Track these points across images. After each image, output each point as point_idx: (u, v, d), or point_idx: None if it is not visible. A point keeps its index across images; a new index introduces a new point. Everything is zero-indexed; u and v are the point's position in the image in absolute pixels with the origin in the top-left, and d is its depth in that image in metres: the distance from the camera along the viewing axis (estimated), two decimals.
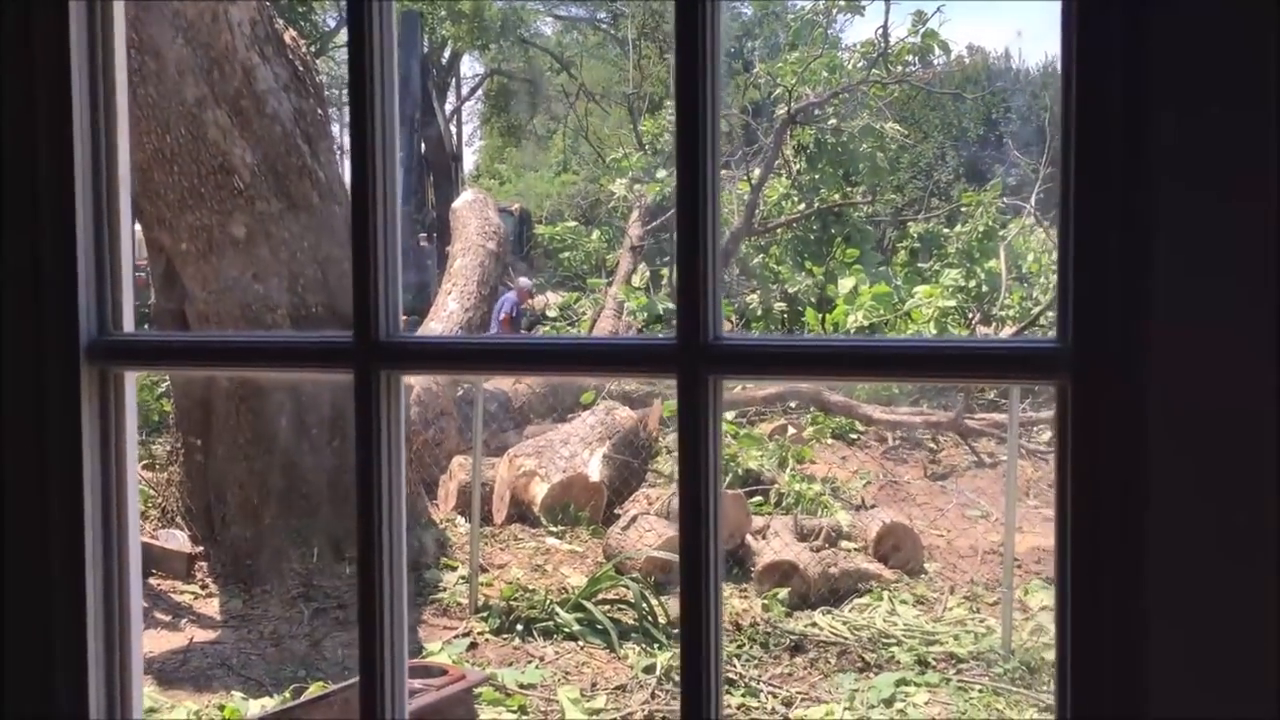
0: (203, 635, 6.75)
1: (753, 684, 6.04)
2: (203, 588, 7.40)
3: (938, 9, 17.93)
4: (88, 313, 1.15)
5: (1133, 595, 0.90)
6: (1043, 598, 7.43)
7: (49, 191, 1.13)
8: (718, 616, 0.95)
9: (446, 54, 34.16)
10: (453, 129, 32.18)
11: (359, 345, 1.06)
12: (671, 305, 14.50)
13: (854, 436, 11.49)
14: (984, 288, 14.74)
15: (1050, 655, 6.44)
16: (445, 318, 10.70)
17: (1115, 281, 0.87)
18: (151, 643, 6.64)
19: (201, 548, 7.63)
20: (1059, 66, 0.98)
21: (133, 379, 1.18)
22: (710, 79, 0.95)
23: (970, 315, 14.52)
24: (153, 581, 7.50)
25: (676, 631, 6.58)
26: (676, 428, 0.96)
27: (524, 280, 16.35)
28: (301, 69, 7.46)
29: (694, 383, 0.93)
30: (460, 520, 8.50)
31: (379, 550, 1.08)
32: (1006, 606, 6.64)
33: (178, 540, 7.74)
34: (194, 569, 7.49)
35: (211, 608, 7.18)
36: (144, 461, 8.56)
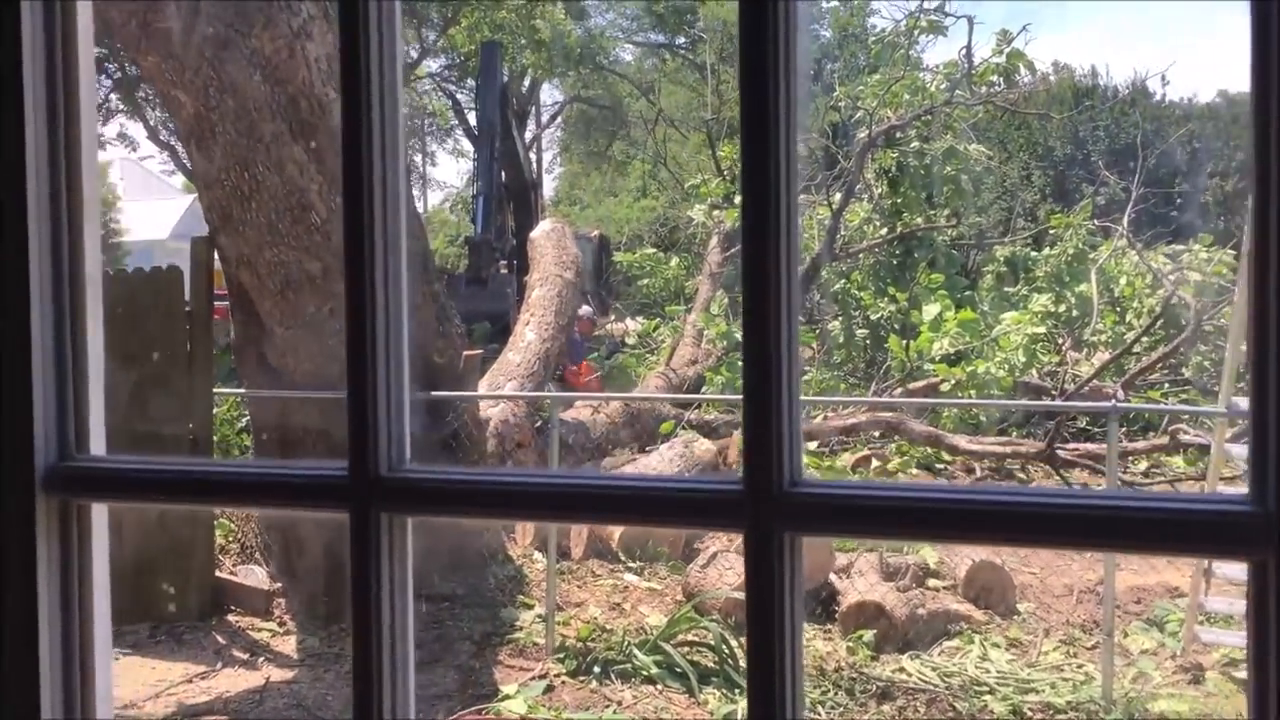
0: (279, 675, 6.70)
1: None
2: (280, 625, 7.37)
3: (1023, 28, 17.59)
4: (46, 434, 1.02)
5: None
6: (1143, 641, 7.07)
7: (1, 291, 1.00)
8: None
9: (526, 82, 34.47)
10: (532, 156, 32.44)
11: (355, 482, 0.91)
12: None
13: (940, 467, 11.16)
14: (1074, 312, 14.31)
15: (1156, 706, 6.10)
16: (523, 348, 10.64)
17: None
18: (229, 683, 6.62)
19: (280, 584, 7.61)
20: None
21: (102, 511, 1.04)
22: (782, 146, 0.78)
23: (1061, 341, 14.08)
24: (231, 618, 7.50)
25: None
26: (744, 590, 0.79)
27: (585, 309, 16.21)
28: None
29: (765, 541, 0.76)
30: (537, 556, 8.38)
31: (377, 691, 0.93)
32: (1107, 651, 6.30)
33: (256, 576, 7.74)
34: (272, 605, 7.47)
35: (289, 646, 7.14)
36: None
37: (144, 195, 38.61)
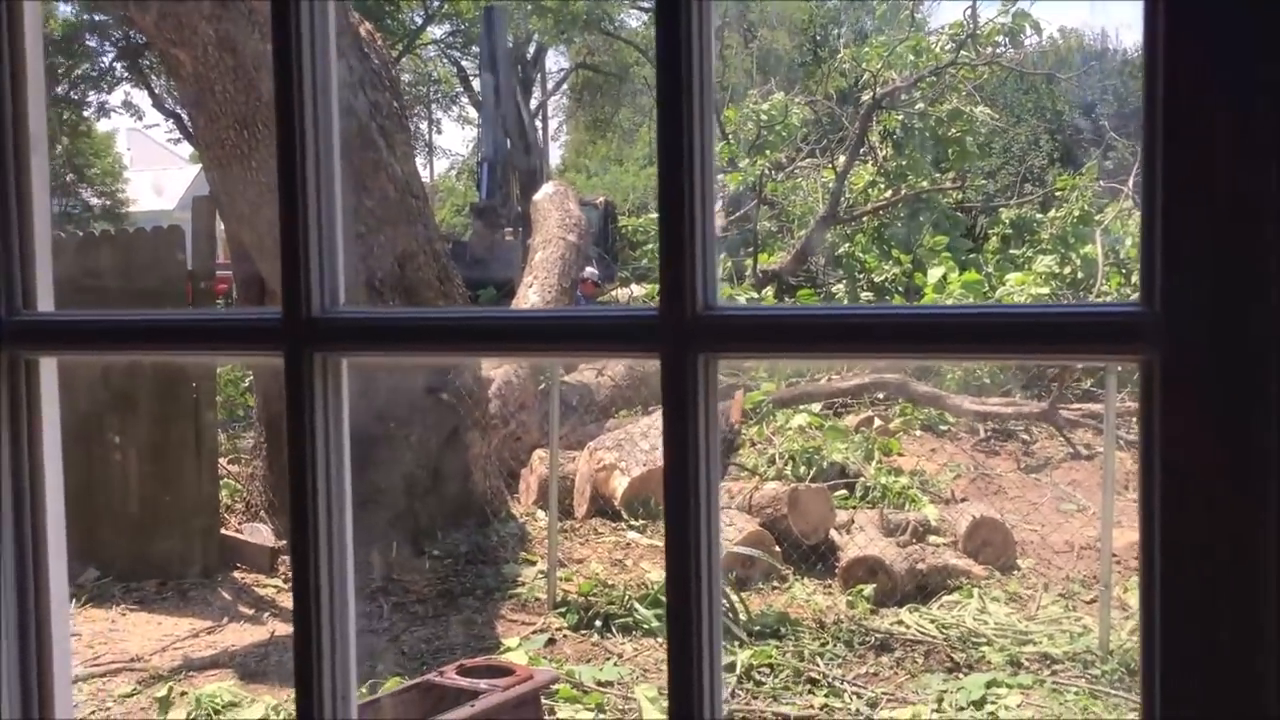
0: (284, 629, 6.78)
1: (836, 684, 5.86)
2: (285, 581, 7.44)
3: None
4: None
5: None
6: None
7: None
8: (714, 633, 0.80)
9: (532, 49, 34.32)
10: (538, 124, 32.33)
11: (288, 324, 0.93)
12: (756, 295, 14.33)
13: (943, 428, 11.17)
14: (1079, 274, 14.26)
15: None
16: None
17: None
18: (234, 637, 6.70)
19: (284, 541, 7.68)
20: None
21: (51, 366, 1.07)
22: None
23: (1065, 302, 14.05)
24: (236, 575, 7.58)
25: (758, 629, 6.47)
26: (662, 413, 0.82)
27: (589, 270, 16.15)
28: (378, 63, 7.44)
29: (679, 364, 0.79)
30: (541, 514, 8.43)
31: (314, 554, 0.95)
32: (1104, 605, 6.34)
33: (261, 534, 7.81)
34: (277, 563, 7.54)
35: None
36: (229, 456, 8.67)
37: (150, 165, 38.62)
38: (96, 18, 26.20)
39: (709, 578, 0.79)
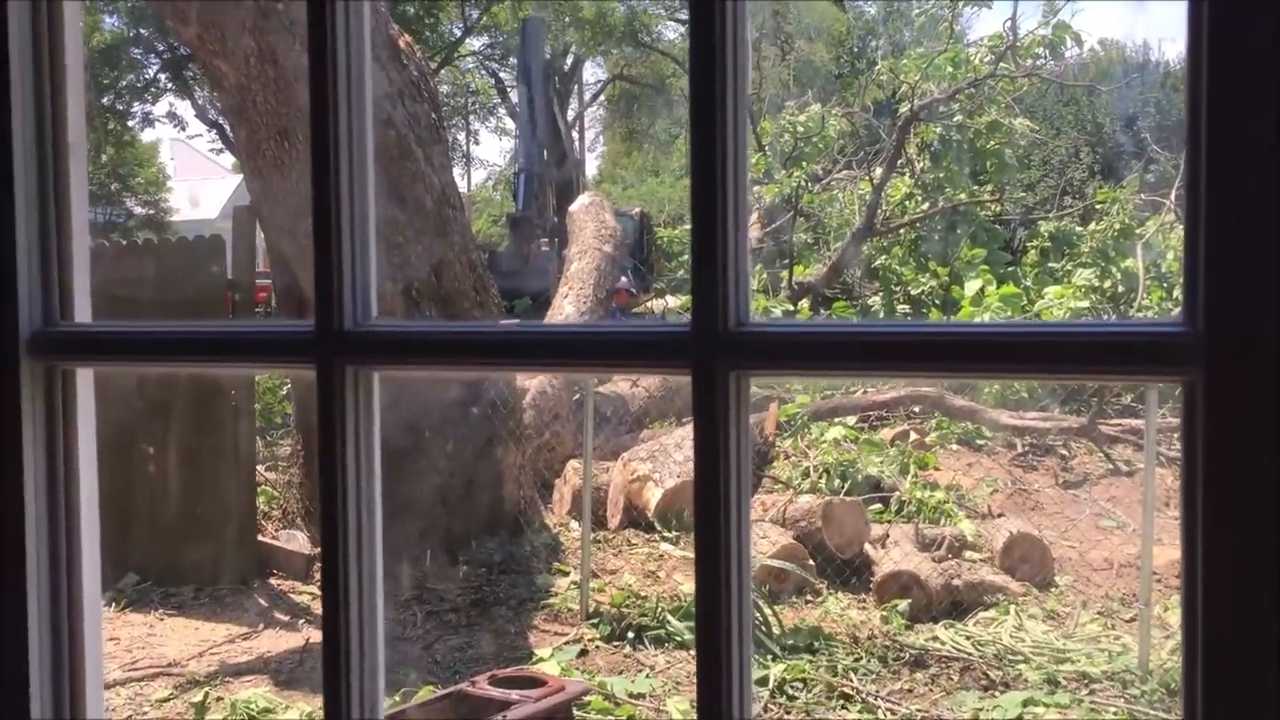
0: (320, 636, 6.81)
1: (870, 700, 5.81)
2: (321, 589, 7.48)
3: None
4: (30, 301, 1.05)
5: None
6: None
7: None
8: (745, 647, 0.80)
9: (569, 60, 34.46)
10: (575, 135, 32.44)
11: (320, 336, 0.94)
12: (791, 307, 14.28)
13: (980, 442, 11.07)
14: (1120, 288, 14.11)
15: None
16: (561, 321, 10.68)
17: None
18: (270, 643, 6.74)
19: (320, 549, 7.72)
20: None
21: (87, 376, 1.08)
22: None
23: (1106, 316, 13.91)
24: (273, 582, 7.63)
25: (791, 643, 6.43)
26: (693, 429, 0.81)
27: (623, 281, 16.11)
28: (416, 74, 7.50)
29: (710, 379, 0.78)
30: (574, 525, 8.44)
31: (343, 566, 0.96)
32: (1144, 623, 6.26)
33: (298, 541, 7.86)
34: (313, 570, 7.59)
35: None
36: (267, 463, 8.74)
37: (193, 175, 39.09)
38: (142, 30, 26.59)
39: (739, 594, 0.79)
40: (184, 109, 29.64)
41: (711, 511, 0.79)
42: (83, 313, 1.09)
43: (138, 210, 30.62)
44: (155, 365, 1.12)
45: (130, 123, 28.94)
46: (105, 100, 26.77)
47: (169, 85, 27.87)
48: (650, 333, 0.85)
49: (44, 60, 1.04)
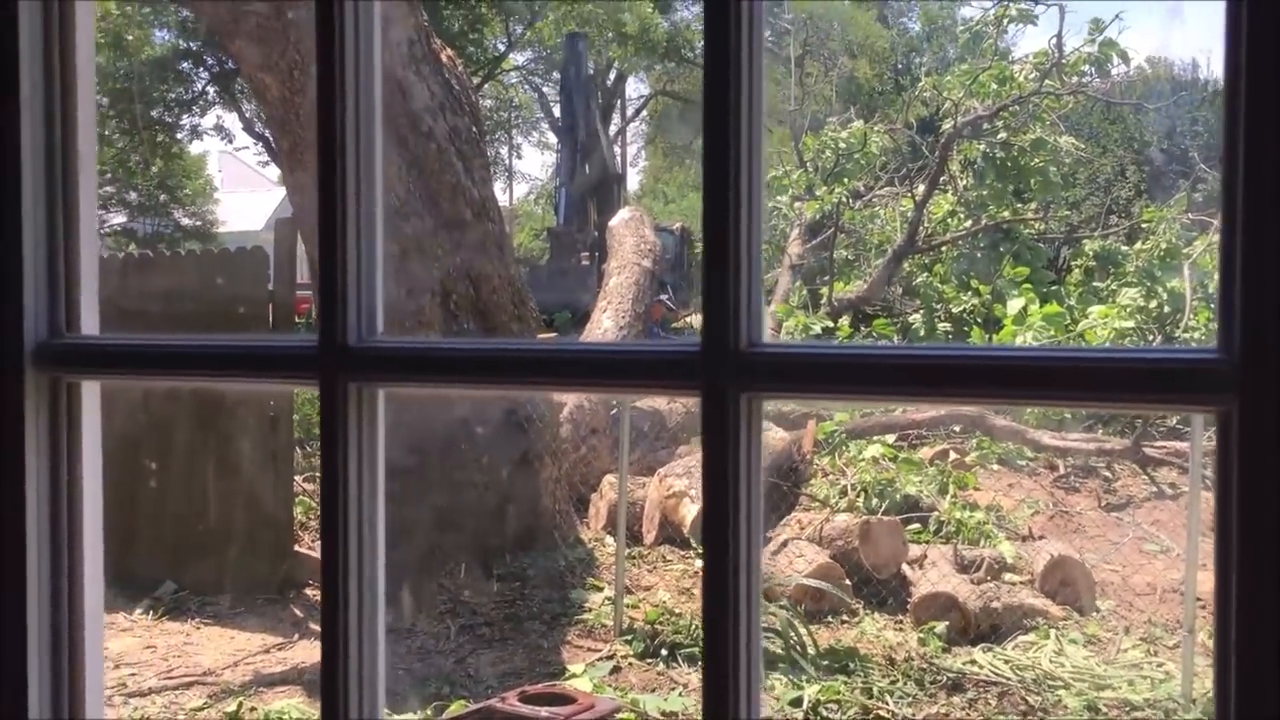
0: None
1: None
2: None
3: (1116, 16, 17.18)
4: (35, 312, 1.04)
5: None
6: None
7: None
8: (753, 676, 0.76)
9: (612, 75, 34.58)
10: (616, 149, 32.52)
11: (324, 351, 0.92)
12: (830, 324, 14.20)
13: (1022, 463, 10.93)
14: (1166, 308, 13.90)
15: None
16: (599, 335, 10.68)
17: None
18: (304, 654, 6.76)
19: (320, 569, 7.73)
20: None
21: (93, 389, 1.07)
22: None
23: (1151, 337, 13.71)
24: (308, 592, 7.66)
25: (826, 663, 6.36)
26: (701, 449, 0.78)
27: (661, 296, 16.04)
28: (458, 87, 7.53)
29: (720, 401, 0.75)
30: (609, 540, 8.41)
31: (343, 587, 0.94)
32: (1188, 650, 6.13)
33: None
34: None
35: None
36: (304, 473, 8.78)
37: (240, 187, 39.58)
38: (191, 44, 26.99)
39: (748, 624, 0.76)
40: (231, 121, 30.03)
41: (719, 544, 0.76)
42: (90, 326, 1.08)
43: (185, 221, 31.02)
44: (159, 379, 1.12)
45: (179, 135, 29.36)
46: (155, 113, 27.19)
47: (217, 98, 28.26)
48: (657, 352, 0.83)
49: (54, 63, 1.04)
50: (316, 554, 7.87)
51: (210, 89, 27.99)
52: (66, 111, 1.04)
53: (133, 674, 6.46)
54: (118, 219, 28.85)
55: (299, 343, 0.97)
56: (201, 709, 6.03)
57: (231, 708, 5.84)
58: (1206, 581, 7.38)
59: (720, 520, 0.76)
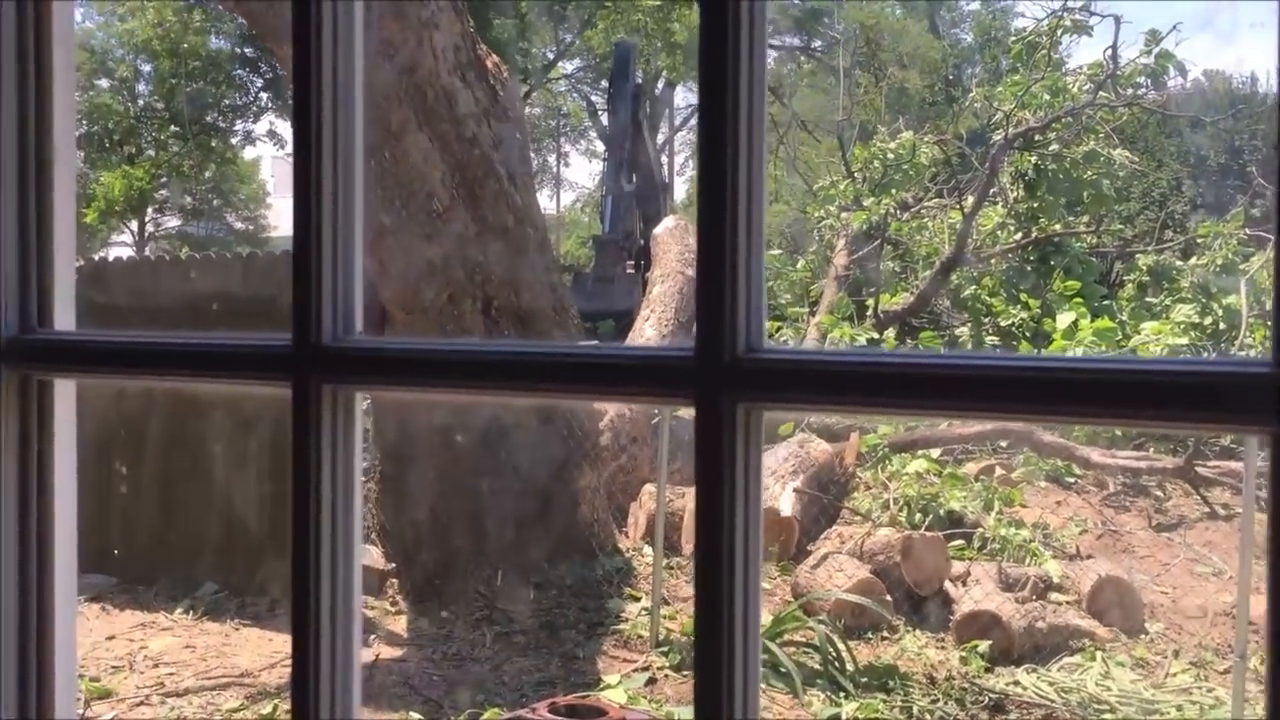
0: (389, 652, 6.82)
1: None
2: (392, 605, 7.50)
3: (1173, 27, 16.90)
4: (6, 308, 1.00)
5: None
6: None
7: None
8: (749, 699, 0.70)
9: (660, 85, 34.59)
10: (664, 159, 32.52)
11: (297, 351, 0.87)
12: (876, 336, 14.05)
13: (1070, 480, 10.73)
14: (1221, 325, 13.62)
15: None
16: (642, 344, 10.63)
17: None
18: None
19: (394, 565, 7.74)
20: None
21: (66, 387, 1.03)
22: None
23: (1205, 354, 13.43)
24: None
25: (866, 680, 6.25)
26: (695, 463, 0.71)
27: None
28: (502, 94, 7.53)
29: (714, 411, 0.68)
30: (648, 550, 8.34)
31: (314, 595, 0.89)
32: (1239, 675, 5.96)
33: (370, 556, 7.88)
34: (386, 585, 7.61)
35: (399, 625, 7.26)
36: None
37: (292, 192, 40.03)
38: (246, 51, 27.36)
39: (744, 655, 0.69)
40: (284, 128, 30.40)
41: (713, 561, 0.69)
42: (65, 322, 1.05)
43: (238, 225, 31.45)
44: (131, 378, 1.08)
45: (233, 140, 29.79)
46: (209, 118, 27.60)
47: (270, 104, 28.62)
48: (647, 356, 0.77)
49: (29, 63, 1.01)
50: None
51: (264, 95, 28.36)
52: (41, 111, 1.02)
53: (171, 673, 6.50)
54: (172, 222, 29.31)
55: (271, 341, 0.93)
56: (238, 710, 6.04)
57: (267, 710, 5.84)
58: (1260, 605, 7.19)
59: (713, 549, 0.68)
